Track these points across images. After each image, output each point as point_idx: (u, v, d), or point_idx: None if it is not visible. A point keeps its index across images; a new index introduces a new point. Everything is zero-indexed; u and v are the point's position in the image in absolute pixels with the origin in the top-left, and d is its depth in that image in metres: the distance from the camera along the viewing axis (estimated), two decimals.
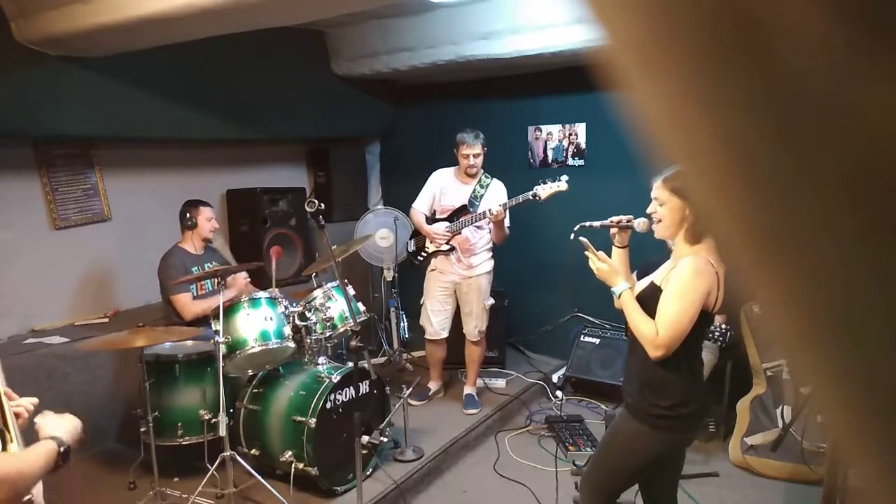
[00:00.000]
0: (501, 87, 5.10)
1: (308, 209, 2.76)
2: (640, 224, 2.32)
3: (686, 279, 2.02)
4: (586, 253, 2.27)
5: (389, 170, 5.96)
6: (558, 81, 4.68)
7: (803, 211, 0.22)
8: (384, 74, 4.83)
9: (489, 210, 3.89)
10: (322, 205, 2.79)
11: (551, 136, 4.98)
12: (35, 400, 1.63)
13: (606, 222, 2.39)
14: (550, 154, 5.00)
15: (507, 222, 4.00)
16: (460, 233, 4.06)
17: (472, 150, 3.97)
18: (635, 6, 0.23)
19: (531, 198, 3.83)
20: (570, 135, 4.90)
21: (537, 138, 5.04)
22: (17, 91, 3.29)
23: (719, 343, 3.54)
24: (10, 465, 1.32)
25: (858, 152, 0.21)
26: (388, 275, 4.98)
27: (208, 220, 3.78)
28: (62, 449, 1.42)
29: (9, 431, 1.41)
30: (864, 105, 0.20)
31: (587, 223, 2.45)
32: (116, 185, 4.27)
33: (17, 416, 1.51)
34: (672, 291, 2.04)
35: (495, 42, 4.04)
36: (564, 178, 3.82)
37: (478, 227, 4.07)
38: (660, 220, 2.14)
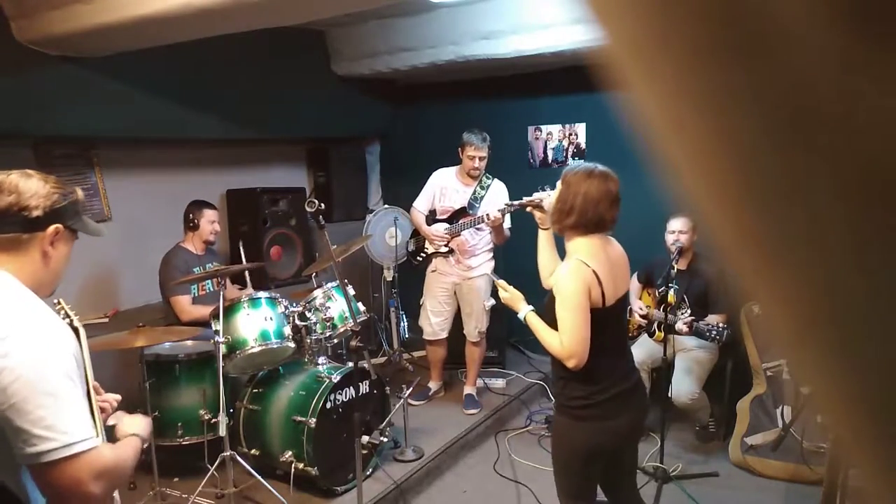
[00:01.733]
0: (501, 87, 5.10)
1: (308, 209, 2.76)
2: (549, 205, 2.40)
3: (562, 286, 2.10)
4: (497, 285, 2.47)
5: (389, 170, 5.96)
6: (558, 81, 4.68)
7: (802, 212, 0.22)
8: (384, 74, 4.83)
9: (487, 215, 3.84)
10: (322, 205, 2.79)
11: (551, 136, 4.98)
12: (118, 396, 1.69)
13: (522, 202, 2.59)
14: (550, 154, 5.00)
15: (507, 223, 3.96)
16: (459, 235, 4.05)
17: (479, 152, 3.93)
18: (635, 6, 0.23)
19: (539, 203, 3.80)
20: (570, 135, 4.90)
21: (537, 138, 5.04)
22: (17, 91, 3.29)
23: (717, 341, 3.53)
24: (111, 456, 1.34)
25: (857, 154, 0.21)
26: (388, 275, 4.98)
27: (211, 223, 3.78)
28: (144, 445, 1.52)
29: (95, 426, 1.43)
30: (863, 107, 0.20)
31: (510, 203, 2.80)
32: (116, 185, 4.26)
33: (101, 410, 1.56)
34: (559, 302, 2.10)
35: (495, 42, 4.04)
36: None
37: (477, 229, 4.05)
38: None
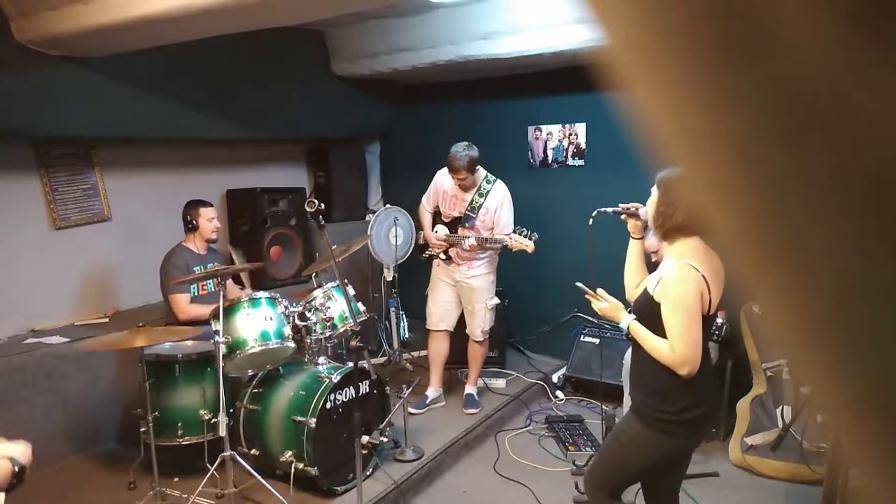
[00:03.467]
0: (501, 87, 5.10)
1: (308, 209, 2.76)
2: (644, 213, 2.36)
3: (677, 290, 2.04)
4: (586, 297, 2.38)
5: (389, 170, 5.97)
6: (558, 81, 4.68)
7: (803, 211, 0.22)
8: (384, 74, 4.83)
9: (466, 240, 3.89)
10: (322, 205, 2.79)
11: (551, 136, 4.98)
12: None
13: (617, 209, 2.50)
14: (550, 154, 5.00)
15: (508, 230, 3.91)
16: (455, 245, 4.05)
17: (458, 175, 3.87)
18: (636, 6, 0.23)
19: (503, 246, 3.88)
20: (570, 135, 4.90)
21: (537, 138, 5.04)
22: (17, 91, 3.29)
23: (715, 338, 3.54)
24: None
25: (859, 153, 0.21)
26: (388, 275, 4.98)
27: (209, 221, 3.76)
28: (17, 468, 1.48)
29: None
30: (865, 105, 0.20)
31: (603, 209, 2.61)
32: (116, 185, 4.26)
33: None
34: (670, 306, 2.06)
35: (495, 42, 4.04)
36: (535, 237, 3.78)
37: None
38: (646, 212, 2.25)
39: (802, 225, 0.23)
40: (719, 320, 3.52)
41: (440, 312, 4.21)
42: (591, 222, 2.60)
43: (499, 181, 4.01)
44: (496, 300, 4.18)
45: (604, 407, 4.32)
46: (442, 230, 4.12)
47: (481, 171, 3.99)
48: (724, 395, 3.84)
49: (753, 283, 0.26)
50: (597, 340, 4.59)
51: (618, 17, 0.24)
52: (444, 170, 4.08)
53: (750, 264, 0.26)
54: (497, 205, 3.95)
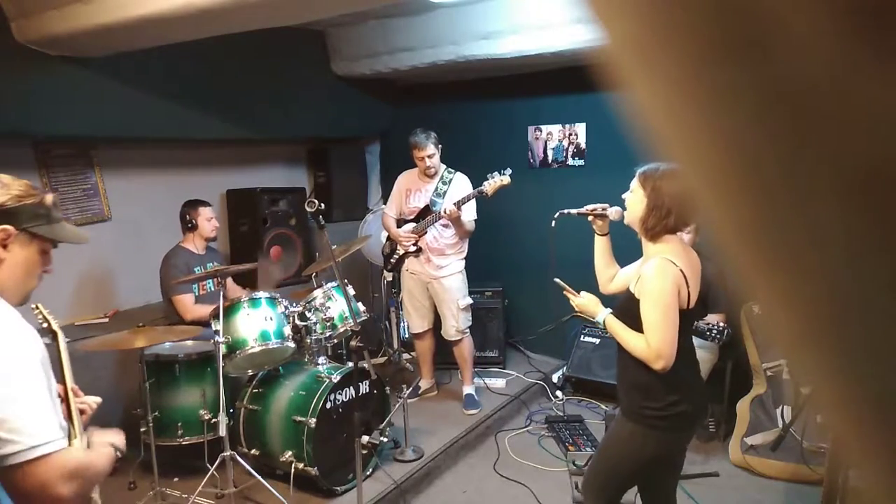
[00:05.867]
0: (501, 87, 5.10)
1: (308, 209, 2.76)
2: (613, 213, 2.36)
3: (653, 284, 2.05)
4: (564, 293, 2.38)
5: (389, 170, 5.96)
6: (558, 81, 4.68)
7: (802, 212, 0.22)
8: (384, 74, 4.83)
9: (444, 210, 3.94)
10: (322, 205, 2.79)
11: (551, 136, 4.98)
12: (99, 399, 1.67)
13: (583, 210, 2.47)
14: (550, 154, 5.00)
15: (472, 216, 4.05)
16: (425, 232, 4.10)
17: (425, 151, 4.00)
18: (636, 6, 0.23)
19: (478, 195, 3.93)
20: (570, 135, 4.90)
21: (537, 138, 5.04)
22: (17, 91, 3.28)
23: (717, 341, 3.53)
24: (84, 458, 1.34)
25: (859, 153, 0.21)
26: (388, 275, 4.98)
27: (208, 220, 3.78)
28: (119, 454, 1.53)
29: (73, 426, 1.43)
30: (866, 106, 0.20)
31: (565, 210, 2.57)
32: (116, 185, 4.26)
33: (80, 412, 1.56)
34: (647, 301, 2.06)
35: (495, 42, 4.04)
36: (508, 171, 3.89)
37: (444, 226, 4.10)
38: (626, 208, 2.21)
39: (801, 225, 0.23)
40: (721, 324, 3.51)
41: (419, 316, 4.30)
42: (553, 224, 2.57)
43: (459, 172, 4.17)
44: (468, 300, 4.22)
45: (604, 407, 4.32)
46: (408, 227, 4.19)
47: (441, 163, 4.16)
48: (724, 394, 3.85)
49: (752, 284, 0.26)
50: (597, 340, 4.59)
51: (617, 16, 0.24)
52: (404, 172, 4.28)
53: (748, 265, 0.26)
54: (461, 189, 4.09)
